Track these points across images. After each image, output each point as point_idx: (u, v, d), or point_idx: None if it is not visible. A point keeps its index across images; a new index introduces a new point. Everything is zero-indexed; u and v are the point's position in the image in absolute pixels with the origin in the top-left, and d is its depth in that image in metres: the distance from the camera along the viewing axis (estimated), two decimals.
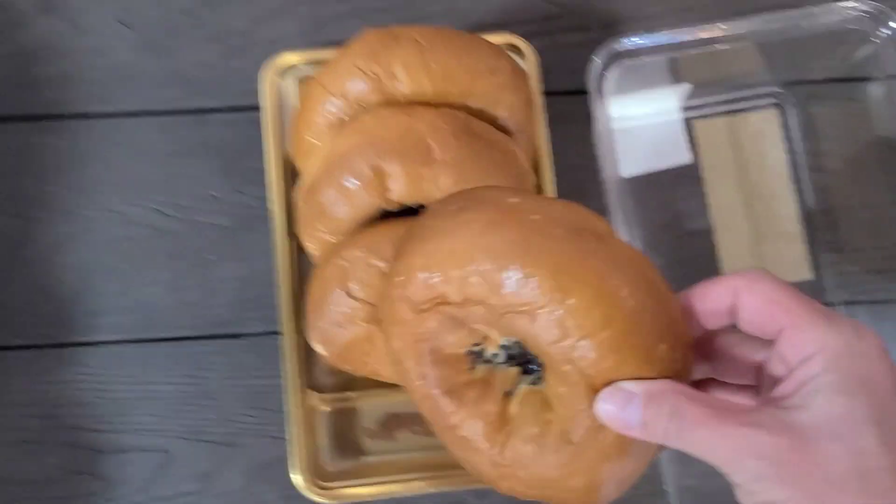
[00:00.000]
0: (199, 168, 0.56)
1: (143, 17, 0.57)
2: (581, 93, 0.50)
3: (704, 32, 0.49)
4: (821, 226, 0.57)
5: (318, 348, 0.49)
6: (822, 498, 0.28)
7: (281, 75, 0.54)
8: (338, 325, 0.47)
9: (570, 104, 0.55)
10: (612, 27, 0.58)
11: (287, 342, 0.51)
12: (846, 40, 0.51)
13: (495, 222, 0.33)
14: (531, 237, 0.33)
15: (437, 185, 0.46)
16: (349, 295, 0.47)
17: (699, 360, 0.36)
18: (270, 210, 0.52)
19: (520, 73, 0.50)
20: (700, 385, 0.37)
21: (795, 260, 0.57)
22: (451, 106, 0.48)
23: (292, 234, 0.52)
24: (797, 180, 0.57)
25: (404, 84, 0.47)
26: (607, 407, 0.32)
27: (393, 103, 0.48)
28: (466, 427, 0.36)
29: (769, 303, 0.32)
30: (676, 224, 0.56)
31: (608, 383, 0.32)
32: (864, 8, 0.49)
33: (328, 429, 0.53)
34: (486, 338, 0.36)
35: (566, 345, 0.32)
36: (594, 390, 0.33)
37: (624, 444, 0.34)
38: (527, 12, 0.58)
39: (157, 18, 0.57)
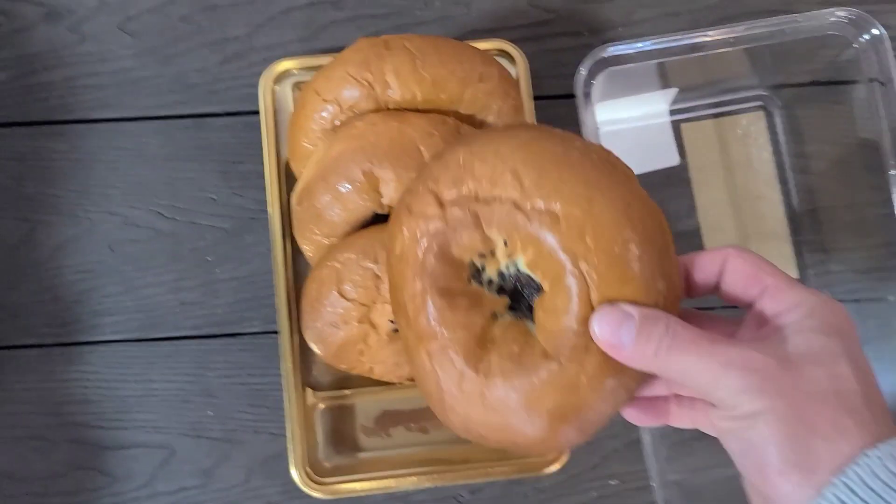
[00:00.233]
0: (199, 172, 0.57)
1: (144, 25, 0.58)
2: (571, 97, 0.51)
3: (691, 38, 0.50)
4: (806, 226, 0.58)
5: (315, 347, 0.50)
6: (802, 408, 0.31)
7: (278, 82, 0.54)
8: (333, 324, 0.49)
9: (560, 108, 0.56)
10: (601, 32, 0.58)
11: (285, 341, 0.51)
12: (829, 45, 0.51)
13: (541, 138, 0.37)
14: (571, 154, 0.36)
15: None
16: (343, 296, 0.48)
17: None
18: (268, 213, 0.53)
19: (508, 80, 0.51)
20: None
21: (781, 260, 0.57)
22: (441, 112, 0.49)
23: (289, 237, 0.53)
24: (783, 181, 0.58)
25: (396, 91, 0.48)
26: (602, 323, 0.34)
27: (385, 110, 0.49)
28: (447, 334, 0.37)
29: (755, 266, 0.35)
30: None
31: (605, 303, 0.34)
32: (846, 14, 0.50)
33: (325, 425, 0.54)
34: (491, 254, 0.37)
35: (580, 251, 0.34)
36: (590, 308, 0.34)
37: (603, 373, 0.35)
38: (518, 18, 0.58)
39: (157, 26, 0.58)
